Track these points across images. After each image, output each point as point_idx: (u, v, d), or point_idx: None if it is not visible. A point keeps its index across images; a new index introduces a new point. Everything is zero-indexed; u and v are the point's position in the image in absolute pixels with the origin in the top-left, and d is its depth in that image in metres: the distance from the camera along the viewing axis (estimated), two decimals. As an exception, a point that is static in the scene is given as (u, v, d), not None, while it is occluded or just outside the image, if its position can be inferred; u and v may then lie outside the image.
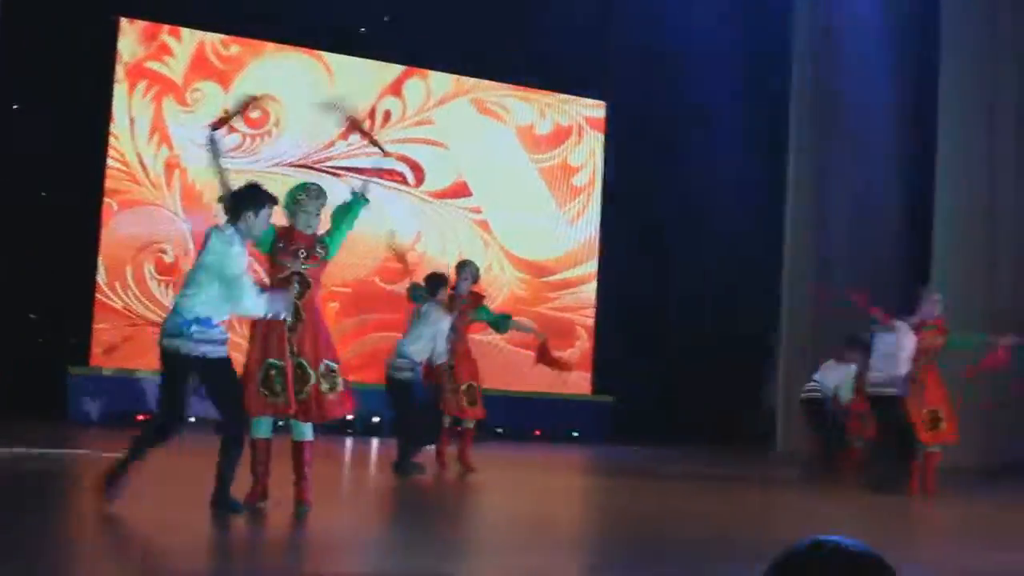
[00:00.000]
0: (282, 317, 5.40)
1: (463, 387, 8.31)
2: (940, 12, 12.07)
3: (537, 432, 14.20)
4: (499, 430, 13.17)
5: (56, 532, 4.81)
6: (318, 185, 5.88)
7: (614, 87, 15.08)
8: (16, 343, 11.69)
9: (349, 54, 13.86)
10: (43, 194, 12.12)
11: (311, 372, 5.47)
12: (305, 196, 5.64)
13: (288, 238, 5.58)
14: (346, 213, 5.80)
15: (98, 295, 12.51)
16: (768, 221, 14.06)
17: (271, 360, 5.42)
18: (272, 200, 5.35)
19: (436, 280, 8.20)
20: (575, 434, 14.37)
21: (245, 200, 5.26)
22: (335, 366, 5.57)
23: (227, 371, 5.25)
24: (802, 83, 13.57)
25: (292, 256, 5.55)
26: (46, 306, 12.20)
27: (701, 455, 11.89)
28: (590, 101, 15.30)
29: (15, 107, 12.22)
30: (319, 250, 5.64)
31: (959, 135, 11.81)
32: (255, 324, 5.54)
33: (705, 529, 5.87)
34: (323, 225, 5.79)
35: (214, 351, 5.16)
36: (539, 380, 14.43)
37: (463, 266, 8.63)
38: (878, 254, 13.06)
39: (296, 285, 5.51)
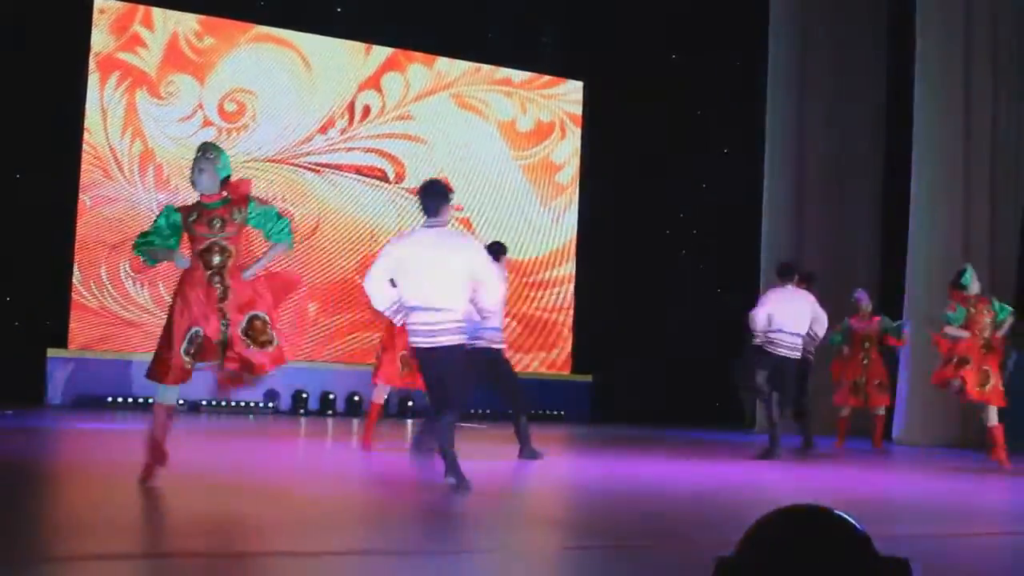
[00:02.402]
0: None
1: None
2: None
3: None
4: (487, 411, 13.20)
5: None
6: (210, 143, 5.62)
7: (591, 69, 14.92)
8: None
9: (324, 35, 13.64)
10: (17, 176, 11.88)
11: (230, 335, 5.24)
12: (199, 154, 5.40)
13: (198, 208, 5.38)
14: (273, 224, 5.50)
15: (73, 295, 12.25)
16: (746, 208, 13.99)
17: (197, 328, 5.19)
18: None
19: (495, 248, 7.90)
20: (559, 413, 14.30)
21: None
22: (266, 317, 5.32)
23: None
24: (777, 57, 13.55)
25: (207, 226, 5.32)
26: (23, 294, 11.99)
27: (683, 434, 11.79)
28: (569, 84, 15.10)
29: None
30: (236, 216, 5.37)
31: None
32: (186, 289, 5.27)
33: (689, 506, 5.74)
34: None
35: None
36: (520, 363, 14.34)
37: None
38: (854, 233, 13.10)
39: (216, 255, 5.28)
